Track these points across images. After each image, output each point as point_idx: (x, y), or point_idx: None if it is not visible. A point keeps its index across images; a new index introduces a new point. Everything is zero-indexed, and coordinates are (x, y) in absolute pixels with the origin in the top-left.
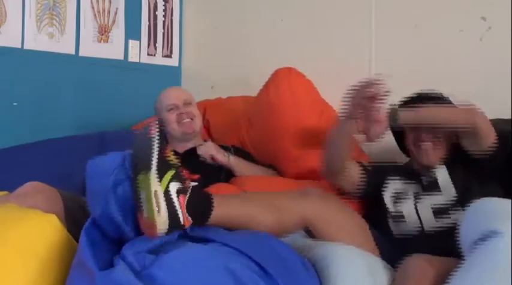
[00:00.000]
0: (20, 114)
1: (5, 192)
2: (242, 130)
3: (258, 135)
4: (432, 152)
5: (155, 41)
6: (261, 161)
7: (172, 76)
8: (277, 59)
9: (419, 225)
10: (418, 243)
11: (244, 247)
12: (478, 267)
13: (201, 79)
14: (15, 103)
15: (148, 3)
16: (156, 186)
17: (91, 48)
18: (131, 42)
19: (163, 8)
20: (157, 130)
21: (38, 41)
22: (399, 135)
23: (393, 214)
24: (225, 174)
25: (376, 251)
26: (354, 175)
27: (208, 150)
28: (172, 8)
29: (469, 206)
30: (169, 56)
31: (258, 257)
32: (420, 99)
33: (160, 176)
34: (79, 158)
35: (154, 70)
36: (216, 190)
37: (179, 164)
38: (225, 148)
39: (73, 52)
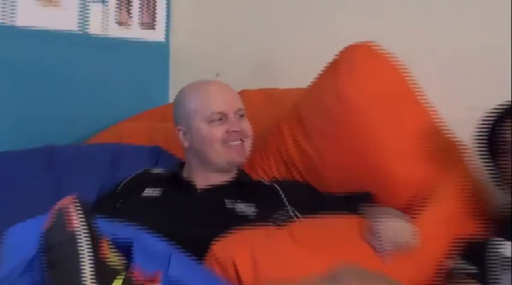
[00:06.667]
0: None
1: None
2: (284, 140)
3: (329, 146)
4: None
5: (129, 4)
6: (347, 190)
7: (156, 57)
8: (313, 35)
9: None
10: None
11: None
12: None
13: (201, 63)
14: None
15: None
16: None
17: (31, 16)
18: (92, 6)
19: None
20: (81, 214)
21: None
22: None
23: None
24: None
25: None
26: None
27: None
28: None
29: None
30: (151, 26)
31: None
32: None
33: None
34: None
35: (128, 47)
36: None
37: (125, 263)
38: (258, 184)
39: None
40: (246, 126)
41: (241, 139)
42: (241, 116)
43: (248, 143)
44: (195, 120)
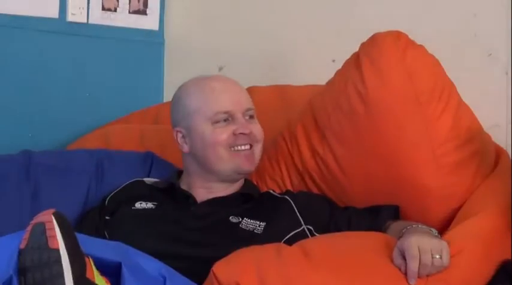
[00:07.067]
0: None
1: None
2: (298, 145)
3: (350, 153)
4: None
5: None
6: (370, 203)
7: (148, 48)
8: (333, 22)
9: None
10: None
11: None
12: None
13: (201, 55)
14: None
15: None
16: None
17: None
18: None
19: None
20: (63, 231)
21: None
22: None
23: None
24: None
25: None
26: None
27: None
28: None
29: None
30: (142, 12)
31: None
32: None
33: None
34: None
35: (116, 37)
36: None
37: None
38: (268, 197)
39: None
40: (256, 128)
41: (250, 144)
42: (251, 117)
43: (258, 149)
44: (196, 121)
